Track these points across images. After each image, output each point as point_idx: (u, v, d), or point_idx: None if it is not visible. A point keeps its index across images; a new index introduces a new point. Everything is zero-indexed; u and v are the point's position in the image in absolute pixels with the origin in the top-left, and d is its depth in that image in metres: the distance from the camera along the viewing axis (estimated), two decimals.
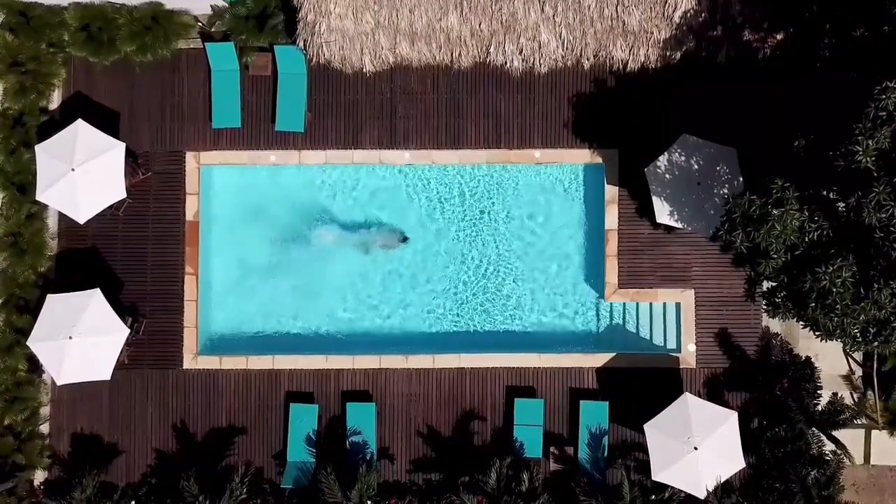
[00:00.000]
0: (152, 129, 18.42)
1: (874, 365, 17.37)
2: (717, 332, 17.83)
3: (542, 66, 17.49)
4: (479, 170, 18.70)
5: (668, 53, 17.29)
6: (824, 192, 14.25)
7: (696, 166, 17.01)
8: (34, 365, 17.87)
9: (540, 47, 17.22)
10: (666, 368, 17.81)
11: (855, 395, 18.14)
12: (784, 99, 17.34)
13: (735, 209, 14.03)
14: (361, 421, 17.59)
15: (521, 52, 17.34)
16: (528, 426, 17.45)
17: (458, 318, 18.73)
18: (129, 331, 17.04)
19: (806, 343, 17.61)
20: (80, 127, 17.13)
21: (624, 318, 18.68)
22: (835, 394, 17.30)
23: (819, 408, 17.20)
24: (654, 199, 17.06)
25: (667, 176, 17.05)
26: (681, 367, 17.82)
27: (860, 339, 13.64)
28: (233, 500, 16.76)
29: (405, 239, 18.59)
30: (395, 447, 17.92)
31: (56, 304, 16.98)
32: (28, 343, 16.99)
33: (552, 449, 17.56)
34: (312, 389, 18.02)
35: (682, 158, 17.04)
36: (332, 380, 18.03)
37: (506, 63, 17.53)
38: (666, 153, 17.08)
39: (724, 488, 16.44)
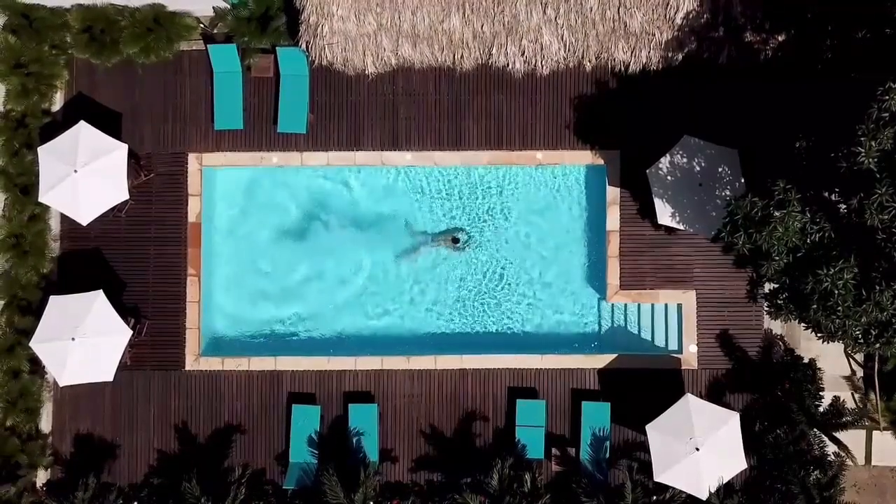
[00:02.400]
0: (154, 131, 18.43)
1: (875, 366, 17.36)
2: (718, 333, 17.84)
3: (544, 67, 17.50)
4: (480, 171, 18.72)
5: (669, 55, 17.29)
6: (826, 194, 14.26)
7: (697, 168, 17.02)
8: (37, 366, 17.90)
9: (542, 49, 17.23)
10: (667, 369, 17.83)
11: (856, 396, 18.16)
12: (786, 100, 17.35)
13: (737, 211, 14.04)
14: (363, 422, 17.60)
15: (523, 54, 17.35)
16: (530, 427, 17.46)
17: (460, 319, 18.73)
18: (131, 332, 17.06)
19: (807, 344, 17.61)
20: (83, 128, 17.14)
21: (625, 319, 18.68)
22: (836, 397, 17.31)
23: (821, 409, 17.21)
24: (656, 201, 17.07)
25: (668, 177, 17.06)
26: (682, 368, 17.83)
27: (862, 341, 13.68)
28: (235, 502, 16.78)
29: (458, 240, 18.59)
30: (398, 448, 17.94)
31: (59, 306, 16.98)
32: (31, 344, 16.99)
33: (554, 450, 17.58)
34: (314, 390, 18.04)
35: (684, 160, 17.05)
36: (334, 381, 18.05)
37: (508, 65, 17.54)
38: (668, 154, 17.08)
39: (726, 489, 16.44)
